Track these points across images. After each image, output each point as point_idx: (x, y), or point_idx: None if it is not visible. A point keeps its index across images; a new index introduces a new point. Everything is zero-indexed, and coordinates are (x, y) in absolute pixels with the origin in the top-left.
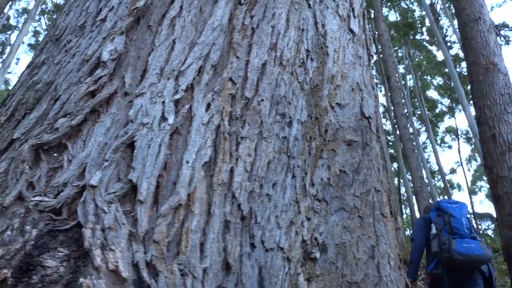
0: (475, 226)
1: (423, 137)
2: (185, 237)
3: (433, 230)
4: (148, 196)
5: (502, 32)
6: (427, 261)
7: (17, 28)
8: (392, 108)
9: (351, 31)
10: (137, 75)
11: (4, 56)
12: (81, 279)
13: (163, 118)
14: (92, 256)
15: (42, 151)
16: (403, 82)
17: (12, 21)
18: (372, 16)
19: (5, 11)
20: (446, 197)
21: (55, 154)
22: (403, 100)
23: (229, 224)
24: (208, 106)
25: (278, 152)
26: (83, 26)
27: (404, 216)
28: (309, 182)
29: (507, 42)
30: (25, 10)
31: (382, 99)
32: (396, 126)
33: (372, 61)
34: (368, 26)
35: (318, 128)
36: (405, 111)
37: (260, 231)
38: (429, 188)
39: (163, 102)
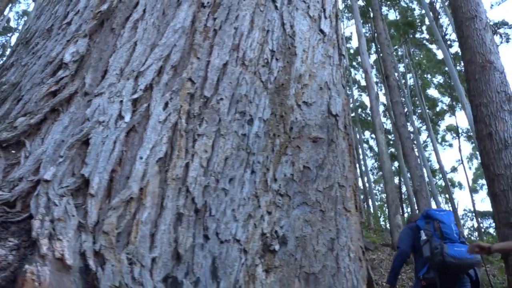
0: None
1: (424, 136)
2: (135, 229)
3: (423, 237)
4: (99, 189)
5: (501, 30)
6: (417, 266)
7: (17, 30)
8: (391, 107)
9: (322, 31)
10: (98, 75)
11: (5, 58)
12: (26, 266)
13: (120, 117)
14: (39, 245)
15: (1, 148)
16: (403, 81)
17: (12, 23)
18: (371, 15)
19: (5, 13)
20: (446, 195)
21: (13, 151)
22: (403, 99)
23: (182, 216)
24: (166, 105)
25: (236, 149)
26: (50, 29)
27: (406, 215)
28: (271, 178)
29: (507, 40)
30: (25, 13)
31: (383, 98)
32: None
33: (344, 60)
34: (368, 25)
35: (283, 126)
36: (406, 110)
37: (214, 224)
38: (429, 187)
39: (121, 101)
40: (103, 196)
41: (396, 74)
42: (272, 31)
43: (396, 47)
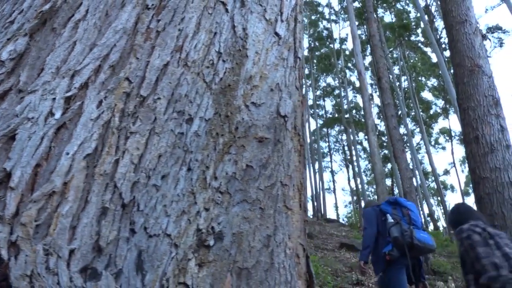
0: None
1: (417, 138)
2: (55, 221)
3: (390, 220)
4: (20, 183)
5: (495, 34)
6: (381, 244)
7: None
8: (383, 109)
9: (277, 34)
10: (34, 74)
11: None
12: None
13: (51, 113)
14: None
15: None
16: (397, 83)
17: None
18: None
19: None
20: (438, 198)
21: None
22: (397, 101)
23: (107, 210)
24: (100, 103)
25: (172, 147)
26: None
27: None
28: (211, 176)
29: (501, 45)
30: None
31: (378, 100)
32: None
33: (300, 62)
34: (364, 27)
35: (228, 125)
36: (399, 112)
37: (142, 218)
38: (422, 189)
39: (54, 99)
40: (24, 190)
41: (390, 76)
42: (220, 33)
43: (391, 49)
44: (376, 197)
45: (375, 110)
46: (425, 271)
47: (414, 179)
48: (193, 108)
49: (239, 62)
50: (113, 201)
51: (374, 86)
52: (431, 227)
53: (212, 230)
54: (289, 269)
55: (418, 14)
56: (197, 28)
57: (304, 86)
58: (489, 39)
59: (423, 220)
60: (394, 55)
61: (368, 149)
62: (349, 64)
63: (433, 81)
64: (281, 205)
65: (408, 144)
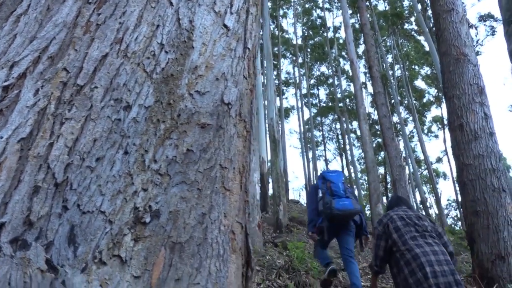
0: (350, 187)
1: (410, 127)
2: None
3: (320, 194)
4: None
5: (487, 22)
6: (315, 219)
7: None
8: (369, 97)
9: (225, 26)
10: None
11: None
12: None
13: None
14: None
15: None
16: (391, 72)
17: None
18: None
19: None
20: (430, 185)
21: None
22: (390, 90)
23: (39, 189)
24: (37, 91)
25: (108, 132)
26: None
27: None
28: (150, 159)
29: (493, 33)
30: None
31: (371, 89)
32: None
33: (249, 53)
34: (357, 15)
35: (170, 112)
36: (392, 101)
37: (75, 196)
38: (414, 176)
39: None
40: None
41: (384, 65)
42: (163, 26)
43: (385, 37)
44: (368, 185)
45: (368, 99)
46: None
47: (407, 167)
48: (131, 96)
49: (184, 53)
50: (46, 181)
51: (367, 75)
52: (423, 213)
53: (149, 209)
54: (222, 244)
55: (411, 3)
56: (138, 21)
57: (299, 76)
58: (475, 28)
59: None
60: (388, 44)
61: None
62: (343, 53)
63: (426, 70)
64: (219, 186)
65: (401, 133)
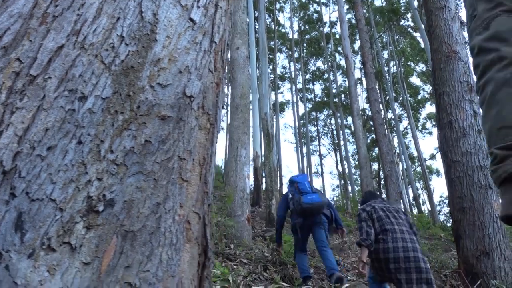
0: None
1: (405, 123)
2: None
3: (290, 196)
4: None
5: None
6: (279, 229)
7: None
8: (364, 93)
9: (191, 19)
10: None
11: None
12: None
13: None
14: None
15: None
16: (386, 68)
17: None
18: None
19: None
20: (423, 182)
21: None
22: (385, 86)
23: None
24: None
25: (60, 121)
26: None
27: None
28: (106, 149)
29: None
30: None
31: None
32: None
33: (216, 47)
34: (354, 11)
35: (129, 104)
36: (387, 97)
37: (24, 184)
38: (407, 173)
39: None
40: None
41: (379, 61)
42: (124, 18)
43: (381, 33)
44: (360, 180)
45: (364, 95)
46: None
47: (400, 164)
48: (87, 87)
49: (146, 45)
50: None
51: (363, 71)
52: (415, 210)
53: (103, 198)
54: (175, 233)
55: None
56: (98, 13)
57: (295, 71)
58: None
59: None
60: (384, 40)
61: None
62: (339, 48)
63: (421, 67)
64: (176, 177)
65: (395, 129)
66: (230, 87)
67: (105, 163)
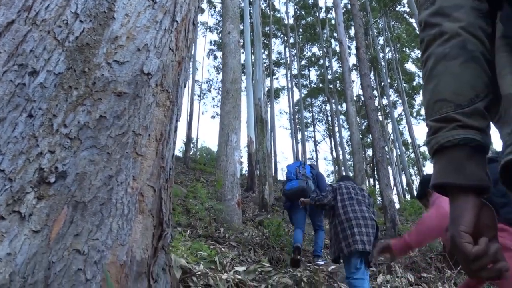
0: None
1: (399, 110)
2: None
3: None
4: None
5: None
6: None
7: None
8: (359, 79)
9: None
10: None
11: None
12: None
13: None
14: None
15: None
16: (381, 54)
17: None
18: None
19: None
20: (416, 168)
21: None
22: (380, 72)
23: None
24: None
25: (10, 95)
26: None
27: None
28: (59, 123)
29: None
30: None
31: None
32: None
33: (177, 26)
34: None
35: (84, 80)
36: (382, 83)
37: None
38: (401, 159)
39: None
40: None
41: (374, 47)
42: None
43: (377, 19)
44: (353, 166)
45: (359, 81)
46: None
47: (394, 150)
48: (39, 62)
49: (103, 23)
50: None
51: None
52: (408, 196)
53: (55, 170)
54: (127, 204)
55: None
56: None
57: (290, 57)
58: None
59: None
60: (380, 25)
61: None
62: (335, 34)
63: (417, 53)
64: (130, 151)
65: (389, 115)
66: (221, 72)
67: (58, 136)
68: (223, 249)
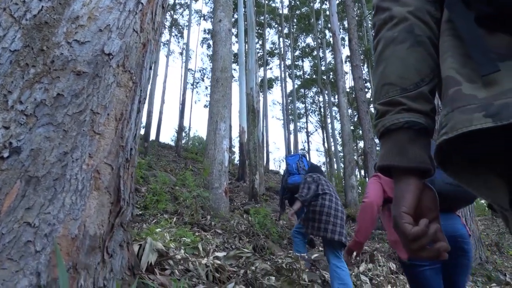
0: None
1: None
2: None
3: (286, 177)
4: None
5: None
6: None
7: None
8: (351, 71)
9: None
10: None
11: None
12: None
13: None
14: None
15: None
16: None
17: None
18: None
19: None
20: None
21: None
22: (374, 64)
23: None
24: None
25: None
26: None
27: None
28: (14, 100)
29: None
30: None
31: None
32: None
33: (142, 8)
34: None
35: (42, 58)
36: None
37: None
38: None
39: None
40: None
41: (368, 39)
42: None
43: (371, 11)
44: (343, 157)
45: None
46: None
47: None
48: None
49: (63, 2)
50: None
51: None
52: None
53: (9, 145)
54: (82, 180)
55: None
56: None
57: (284, 47)
58: None
59: None
60: None
61: None
62: (329, 25)
63: None
64: (87, 129)
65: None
66: (211, 60)
67: (13, 113)
68: (208, 236)
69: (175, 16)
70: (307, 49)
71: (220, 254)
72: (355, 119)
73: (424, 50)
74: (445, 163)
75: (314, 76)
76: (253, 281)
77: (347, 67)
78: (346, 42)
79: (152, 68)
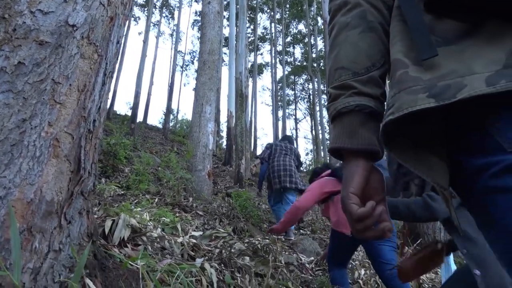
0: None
1: None
2: None
3: None
4: None
5: None
6: None
7: None
8: None
9: None
10: None
11: None
12: None
13: None
14: None
15: None
16: None
17: None
18: None
19: None
20: None
21: None
22: None
23: None
24: None
25: None
26: None
27: None
28: None
29: None
30: None
31: None
32: None
33: None
34: None
35: (4, 26)
36: None
37: None
38: None
39: None
40: None
41: None
42: None
43: None
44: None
45: None
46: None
47: None
48: None
49: None
50: None
51: None
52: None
53: None
54: (40, 147)
55: None
56: None
57: (275, 33)
58: None
59: None
60: None
61: None
62: (321, 12)
63: None
64: (48, 98)
65: None
66: (199, 42)
67: None
68: (188, 217)
69: None
70: (298, 36)
71: (197, 234)
72: None
73: (376, 36)
74: (390, 143)
75: (304, 63)
76: (226, 260)
77: None
78: None
79: (121, 42)
